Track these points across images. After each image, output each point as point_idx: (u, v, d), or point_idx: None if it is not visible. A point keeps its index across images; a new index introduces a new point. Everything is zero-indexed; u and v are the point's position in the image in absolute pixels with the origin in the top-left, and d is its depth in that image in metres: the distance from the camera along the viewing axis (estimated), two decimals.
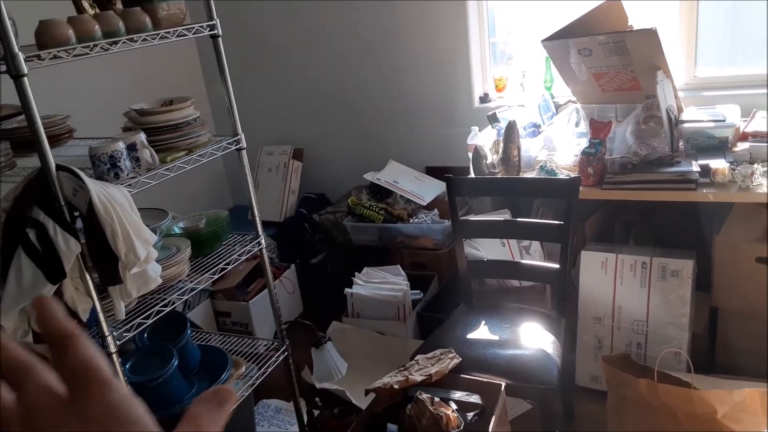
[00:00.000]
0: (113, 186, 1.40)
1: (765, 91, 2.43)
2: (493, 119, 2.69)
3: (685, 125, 2.28)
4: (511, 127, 2.36)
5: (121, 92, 3.08)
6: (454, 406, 1.57)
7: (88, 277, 1.36)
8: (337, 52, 3.35)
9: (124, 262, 1.33)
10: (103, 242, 1.30)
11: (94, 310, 1.40)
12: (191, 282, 1.69)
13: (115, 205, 1.33)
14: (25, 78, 1.22)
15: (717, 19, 2.66)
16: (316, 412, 2.29)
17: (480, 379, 1.72)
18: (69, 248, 1.28)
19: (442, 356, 1.79)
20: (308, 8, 3.31)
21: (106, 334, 1.41)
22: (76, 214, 1.32)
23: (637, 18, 2.52)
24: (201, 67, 3.65)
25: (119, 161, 1.47)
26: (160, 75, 3.42)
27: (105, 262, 1.32)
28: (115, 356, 1.44)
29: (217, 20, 1.69)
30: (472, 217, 2.27)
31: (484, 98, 3.11)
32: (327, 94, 3.48)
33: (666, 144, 2.25)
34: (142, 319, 1.52)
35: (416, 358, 1.83)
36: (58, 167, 1.29)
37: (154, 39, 1.51)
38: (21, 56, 1.21)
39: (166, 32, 1.53)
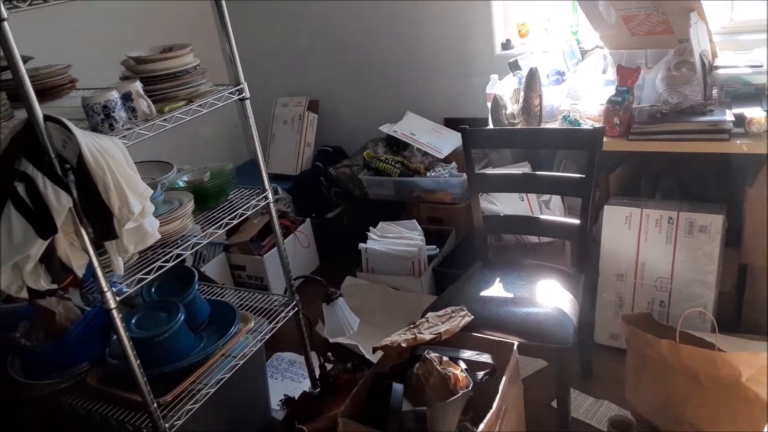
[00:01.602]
0: (107, 137, 1.34)
1: None
2: (514, 66, 2.55)
3: (720, 71, 2.13)
4: (532, 75, 2.23)
5: (132, 40, 3.01)
6: (463, 365, 1.52)
7: (83, 231, 1.32)
8: (352, 2, 3.20)
9: (118, 217, 1.28)
10: (95, 196, 1.26)
11: (91, 265, 1.36)
12: (195, 237, 1.65)
13: (107, 158, 1.27)
14: (5, 23, 1.15)
15: None
16: (329, 366, 2.28)
17: (491, 337, 1.67)
18: (60, 202, 1.24)
19: (453, 314, 1.73)
20: None
21: (105, 290, 1.38)
22: (68, 166, 1.27)
23: None
24: (213, 17, 3.54)
25: (113, 111, 1.41)
26: (173, 21, 3.32)
27: (99, 216, 1.28)
28: (115, 312, 1.41)
29: None
30: (489, 171, 2.18)
31: (506, 45, 2.95)
32: (343, 44, 3.35)
33: (699, 92, 2.10)
34: (143, 274, 1.49)
35: (427, 315, 1.77)
36: (46, 118, 1.24)
37: None
38: None
39: None
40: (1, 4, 1.15)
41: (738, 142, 1.89)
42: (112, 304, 1.40)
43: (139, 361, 1.50)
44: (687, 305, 2.10)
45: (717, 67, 2.14)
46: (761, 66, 2.06)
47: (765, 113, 1.89)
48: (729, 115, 1.94)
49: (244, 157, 3.82)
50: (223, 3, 1.68)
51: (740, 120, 1.92)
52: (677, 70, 2.23)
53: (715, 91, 2.13)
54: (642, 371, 1.84)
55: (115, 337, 1.56)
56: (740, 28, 2.47)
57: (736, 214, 2.10)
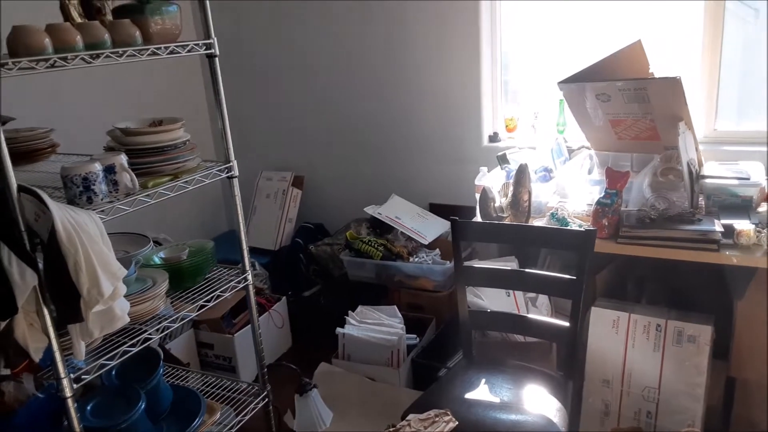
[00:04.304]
0: (83, 212, 1.26)
1: None
2: (503, 160, 2.57)
3: (707, 181, 2.15)
4: (522, 171, 2.23)
5: (121, 109, 2.98)
6: None
7: (45, 312, 1.21)
8: (344, 81, 3.25)
9: (86, 299, 1.18)
10: (64, 275, 1.16)
11: (50, 349, 1.25)
12: (166, 319, 1.54)
13: (81, 234, 1.19)
14: None
15: (732, 71, 2.55)
16: None
17: None
18: (24, 280, 1.14)
19: (437, 418, 1.62)
20: (317, 36, 3.23)
21: (62, 376, 1.26)
22: (38, 241, 1.18)
23: (658, 66, 2.41)
24: (205, 88, 3.56)
25: (93, 184, 1.33)
26: (164, 93, 3.32)
27: (65, 297, 1.18)
28: (70, 401, 1.28)
29: (215, 39, 1.58)
30: (477, 264, 2.13)
31: (494, 137, 2.99)
32: (332, 123, 3.37)
33: (686, 199, 2.12)
34: (106, 360, 1.37)
35: (408, 417, 1.66)
36: (20, 188, 1.16)
37: (142, 54, 1.39)
38: None
39: (156, 48, 1.41)
40: None
41: (727, 253, 1.88)
42: (68, 393, 1.28)
43: None
44: (675, 418, 2.02)
45: (704, 177, 2.16)
46: (748, 179, 2.09)
47: (753, 226, 1.90)
48: (718, 226, 1.94)
49: (222, 226, 3.74)
50: (219, 79, 1.65)
51: (729, 231, 1.92)
52: (664, 177, 2.26)
53: (701, 200, 2.15)
54: None
55: (66, 422, 1.42)
56: (724, 138, 2.54)
57: (724, 325, 2.06)
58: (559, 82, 2.36)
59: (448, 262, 2.75)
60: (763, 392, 2.01)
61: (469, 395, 1.80)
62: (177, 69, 3.35)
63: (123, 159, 1.43)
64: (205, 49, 1.57)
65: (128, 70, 3.09)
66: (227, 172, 1.70)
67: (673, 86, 2.12)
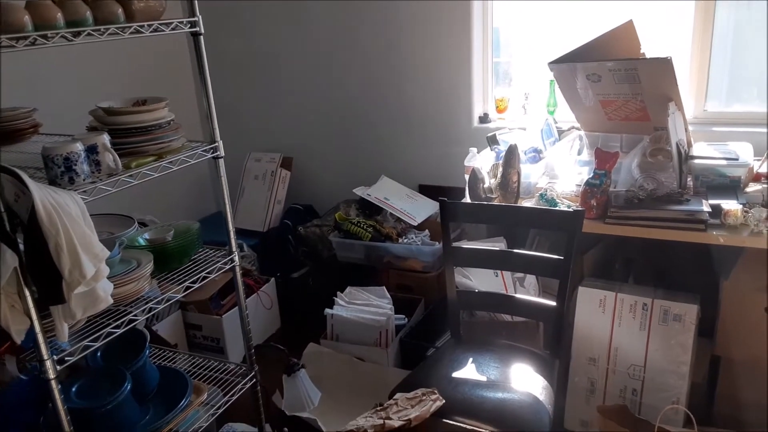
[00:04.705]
0: (65, 192, 1.24)
1: None
2: (492, 141, 2.55)
3: (696, 161, 2.15)
4: (511, 152, 2.22)
5: (106, 89, 2.94)
6: None
7: (27, 293, 1.19)
8: (334, 62, 3.21)
9: (67, 281, 1.17)
10: (45, 256, 1.14)
11: (32, 331, 1.23)
12: (151, 300, 1.53)
13: (62, 215, 1.17)
14: None
15: (722, 52, 2.54)
16: None
17: (464, 426, 1.57)
18: (5, 261, 1.12)
19: (424, 397, 1.63)
20: (309, 16, 3.17)
21: (45, 358, 1.24)
22: (18, 221, 1.15)
23: (649, 47, 2.40)
24: (192, 69, 3.51)
25: (75, 164, 1.31)
26: (151, 72, 3.27)
27: (46, 278, 1.16)
28: (54, 383, 1.27)
29: (200, 17, 1.54)
30: (466, 244, 2.12)
31: (484, 118, 2.97)
32: (321, 103, 3.33)
33: (674, 180, 2.12)
34: (90, 341, 1.36)
35: (396, 396, 1.67)
36: (0, 169, 1.13)
37: (125, 32, 1.35)
38: None
39: (139, 26, 1.38)
40: None
41: (714, 233, 1.89)
42: (52, 375, 1.27)
43: None
44: (660, 395, 2.04)
45: (693, 157, 2.16)
46: (736, 159, 2.09)
47: (741, 206, 1.91)
48: (706, 206, 1.95)
49: (211, 207, 3.71)
50: (204, 58, 1.62)
51: (717, 211, 1.92)
52: (653, 157, 2.26)
53: (690, 180, 2.15)
54: None
55: (51, 404, 1.41)
56: (713, 119, 2.54)
57: (710, 303, 2.08)
58: (550, 63, 2.34)
59: (437, 243, 2.75)
60: (747, 371, 2.03)
61: (456, 374, 1.81)
62: (163, 49, 3.30)
63: (105, 139, 1.40)
64: (190, 27, 1.54)
65: (113, 49, 3.04)
66: (213, 153, 1.68)
67: (664, 66, 2.11)
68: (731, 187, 2.04)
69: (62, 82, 2.81)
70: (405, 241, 2.82)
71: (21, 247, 1.18)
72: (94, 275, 1.20)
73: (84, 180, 1.33)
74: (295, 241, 3.19)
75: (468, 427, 1.57)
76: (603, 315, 2.12)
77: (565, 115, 2.66)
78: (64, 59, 2.80)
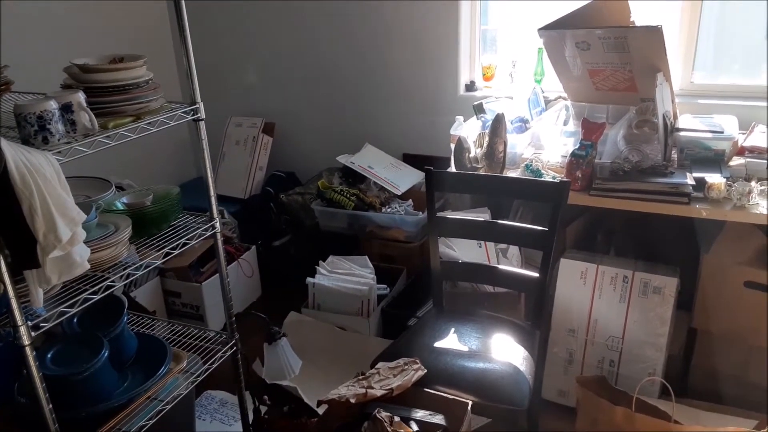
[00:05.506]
0: (39, 152, 1.19)
1: (765, 104, 2.31)
2: (479, 110, 2.52)
3: (681, 134, 2.15)
4: (498, 121, 2.20)
5: (80, 45, 2.83)
6: (415, 427, 1.42)
7: (0, 257, 1.15)
8: (318, 26, 3.13)
9: (42, 244, 1.12)
10: (18, 219, 1.10)
11: (5, 296, 1.19)
12: (129, 266, 1.49)
13: (36, 176, 1.12)
14: None
15: (710, 24, 2.52)
16: (263, 409, 2.12)
17: (445, 395, 1.57)
18: None
19: (406, 367, 1.63)
20: None
21: (19, 324, 1.20)
22: None
23: (640, 15, 2.37)
24: (171, 32, 3.40)
25: (49, 123, 1.25)
26: (126, 28, 3.16)
27: (19, 241, 1.12)
28: (28, 349, 1.24)
29: None
30: (450, 215, 2.11)
31: (470, 86, 2.94)
32: (305, 68, 3.26)
33: (659, 152, 2.12)
34: (66, 307, 1.32)
35: (377, 366, 1.67)
36: None
37: None
38: None
39: None
40: None
41: (697, 206, 1.90)
42: (26, 341, 1.23)
43: (51, 404, 1.32)
44: (637, 367, 2.07)
45: (678, 129, 2.16)
46: (722, 132, 2.09)
47: (724, 180, 1.91)
48: (689, 179, 1.95)
49: (191, 173, 3.64)
50: (184, 14, 1.55)
51: (700, 184, 1.93)
52: (638, 129, 2.25)
53: (674, 153, 2.15)
54: None
55: (26, 371, 1.38)
56: (700, 91, 2.53)
57: (689, 276, 2.10)
58: (539, 29, 2.31)
59: (420, 212, 2.73)
60: (723, 343, 2.07)
61: (438, 344, 1.81)
62: (141, 5, 3.19)
63: (81, 97, 1.34)
64: None
65: (91, 5, 2.94)
66: (193, 114, 1.62)
67: (653, 36, 2.08)
68: (715, 160, 2.05)
69: (36, 38, 2.69)
70: (388, 210, 2.80)
71: None
72: (69, 239, 1.16)
73: (59, 140, 1.27)
74: (277, 209, 3.15)
75: (450, 396, 1.57)
76: (584, 287, 2.13)
77: (553, 85, 2.63)
78: (38, 14, 2.69)
